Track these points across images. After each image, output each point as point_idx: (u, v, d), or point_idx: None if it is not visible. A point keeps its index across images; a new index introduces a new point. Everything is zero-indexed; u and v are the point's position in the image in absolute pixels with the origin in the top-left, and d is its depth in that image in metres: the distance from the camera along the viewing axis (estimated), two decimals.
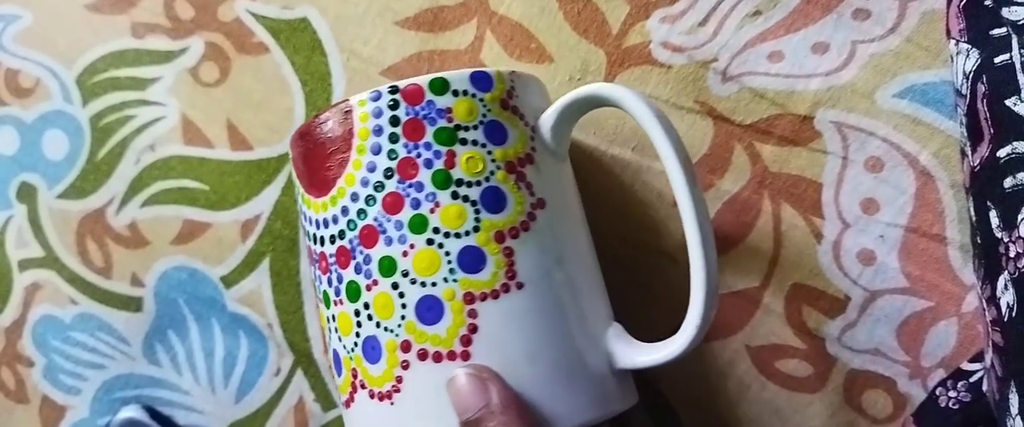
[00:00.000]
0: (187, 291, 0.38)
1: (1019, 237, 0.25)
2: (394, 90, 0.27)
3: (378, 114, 0.27)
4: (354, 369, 0.27)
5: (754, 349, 0.33)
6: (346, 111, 0.27)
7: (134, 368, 0.39)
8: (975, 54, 0.28)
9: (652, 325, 0.30)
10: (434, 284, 0.26)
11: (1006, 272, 0.25)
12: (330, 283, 0.28)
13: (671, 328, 0.27)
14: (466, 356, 0.26)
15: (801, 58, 0.32)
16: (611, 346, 0.27)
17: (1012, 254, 0.25)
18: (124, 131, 0.39)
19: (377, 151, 0.27)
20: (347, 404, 0.28)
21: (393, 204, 0.26)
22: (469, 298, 0.26)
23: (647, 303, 0.33)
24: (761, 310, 0.33)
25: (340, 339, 0.28)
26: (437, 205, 0.26)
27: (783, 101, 0.32)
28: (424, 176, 0.26)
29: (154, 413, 0.38)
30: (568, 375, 0.26)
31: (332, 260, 0.28)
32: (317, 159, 0.28)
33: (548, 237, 0.27)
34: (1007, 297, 0.25)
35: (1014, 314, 0.25)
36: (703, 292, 0.26)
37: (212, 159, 0.38)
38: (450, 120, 0.27)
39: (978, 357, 0.29)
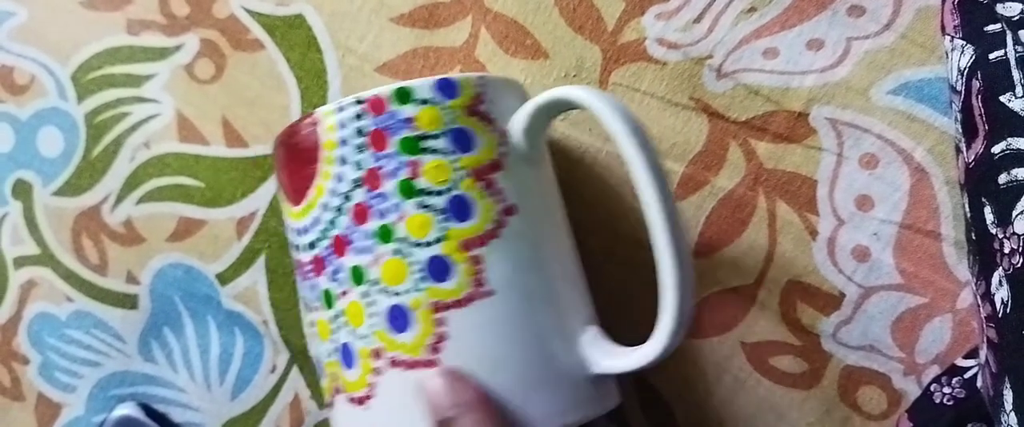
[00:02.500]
0: (183, 288, 0.38)
1: (1013, 233, 0.25)
2: (358, 102, 0.27)
3: (343, 126, 0.27)
4: (333, 373, 0.28)
5: (749, 346, 0.33)
6: (313, 123, 0.27)
7: (130, 365, 0.39)
8: (970, 50, 0.28)
9: (653, 323, 0.30)
10: (402, 293, 0.26)
11: (1000, 268, 0.25)
12: (309, 290, 0.28)
13: None
14: (435, 364, 0.26)
15: (796, 55, 0.32)
16: (585, 351, 0.27)
17: (1006, 250, 0.25)
18: (119, 128, 0.39)
19: (343, 162, 0.27)
20: (329, 406, 0.29)
21: (360, 214, 0.26)
22: (437, 307, 0.26)
23: (651, 301, 0.33)
24: (756, 307, 0.33)
25: (320, 344, 0.28)
26: (403, 215, 0.26)
27: (778, 98, 0.32)
28: (389, 186, 0.26)
29: (150, 411, 0.38)
30: (538, 381, 0.26)
31: (309, 268, 0.28)
32: (291, 169, 0.28)
33: (519, 243, 0.27)
34: (1001, 293, 0.25)
35: (1008, 310, 0.25)
36: (676, 297, 0.25)
37: (207, 156, 0.38)
38: (414, 129, 0.27)
39: (973, 353, 0.29)
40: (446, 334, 0.26)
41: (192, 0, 0.38)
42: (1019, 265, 0.25)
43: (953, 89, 0.29)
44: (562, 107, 0.27)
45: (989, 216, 0.26)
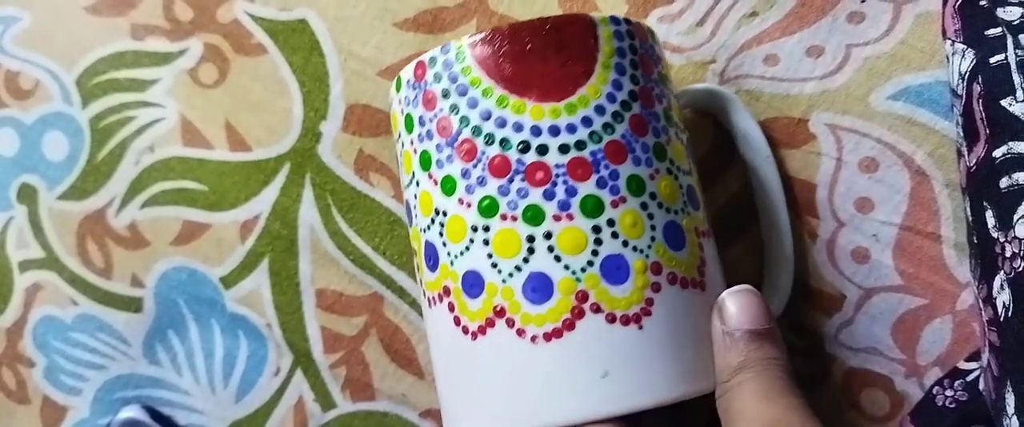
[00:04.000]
0: (187, 292, 0.38)
1: (1015, 237, 0.25)
2: (628, 21, 0.28)
3: (620, 37, 0.27)
4: (582, 292, 0.25)
5: None
6: (590, 23, 0.27)
7: (134, 368, 0.39)
8: (971, 54, 0.28)
9: None
10: (676, 212, 0.26)
11: (1002, 272, 0.25)
12: (550, 197, 0.25)
13: None
14: (703, 286, 0.26)
15: (796, 62, 0.32)
16: None
17: (1008, 254, 0.25)
18: (124, 132, 0.39)
19: (622, 72, 0.27)
20: (552, 336, 0.25)
21: (639, 126, 0.26)
22: (697, 232, 0.27)
23: None
24: None
25: (559, 259, 0.25)
26: (670, 139, 0.27)
27: (778, 104, 0.32)
28: (659, 109, 0.27)
29: (154, 413, 0.38)
30: None
31: (560, 171, 0.25)
32: (546, 62, 0.26)
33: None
34: (1003, 297, 0.25)
35: (1010, 314, 0.25)
36: (790, 265, 0.31)
37: (211, 160, 0.38)
38: (663, 68, 0.29)
39: (975, 356, 0.30)
40: (706, 259, 0.27)
41: (196, 5, 0.38)
42: (1020, 269, 0.25)
43: (954, 93, 0.29)
44: (702, 99, 0.31)
45: (990, 220, 0.26)
